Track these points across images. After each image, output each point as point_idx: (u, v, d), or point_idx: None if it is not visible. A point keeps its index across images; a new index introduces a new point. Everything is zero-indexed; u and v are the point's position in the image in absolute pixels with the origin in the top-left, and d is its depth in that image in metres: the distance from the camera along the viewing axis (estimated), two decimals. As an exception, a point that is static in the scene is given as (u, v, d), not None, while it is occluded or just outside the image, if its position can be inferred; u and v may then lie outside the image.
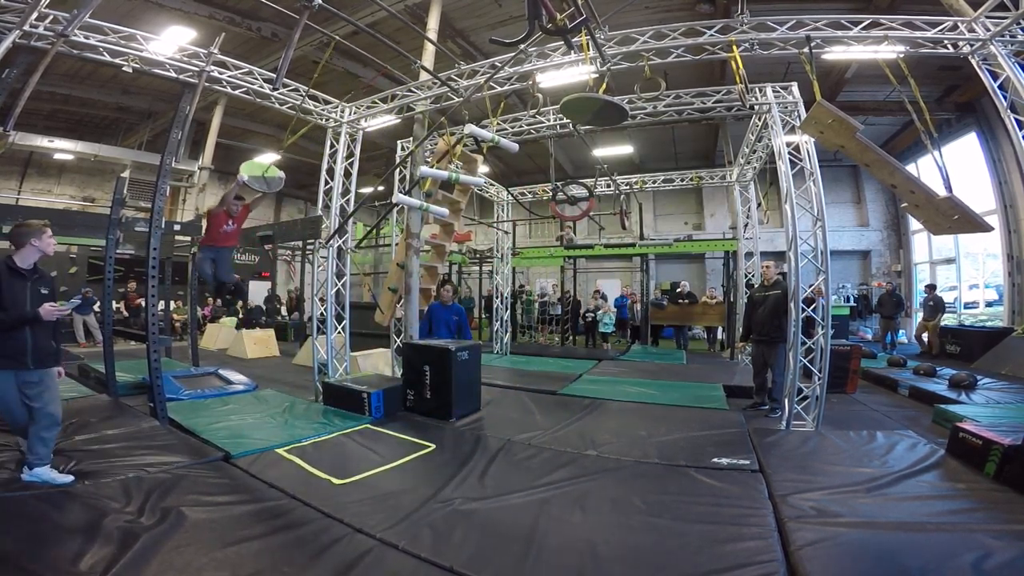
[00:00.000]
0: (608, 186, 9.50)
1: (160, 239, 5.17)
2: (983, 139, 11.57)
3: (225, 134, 14.38)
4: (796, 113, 5.81)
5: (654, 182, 9.89)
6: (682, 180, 9.78)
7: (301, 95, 6.67)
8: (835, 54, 7.95)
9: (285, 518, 2.94)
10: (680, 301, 12.06)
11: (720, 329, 12.28)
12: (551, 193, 6.93)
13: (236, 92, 6.36)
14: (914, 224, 14.65)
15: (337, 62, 11.75)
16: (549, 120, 6.96)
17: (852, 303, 14.54)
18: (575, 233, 13.02)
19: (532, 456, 4.07)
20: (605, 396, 6.22)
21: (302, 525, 2.86)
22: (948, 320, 11.47)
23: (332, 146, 6.75)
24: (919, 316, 12.28)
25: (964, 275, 13.15)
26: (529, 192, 10.48)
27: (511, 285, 11.21)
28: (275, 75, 6.52)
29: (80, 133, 14.33)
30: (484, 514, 3.04)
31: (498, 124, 7.07)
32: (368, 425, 4.83)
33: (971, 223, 4.25)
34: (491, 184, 10.37)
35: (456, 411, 5.07)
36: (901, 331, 12.93)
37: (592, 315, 12.10)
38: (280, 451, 4.09)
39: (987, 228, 4.39)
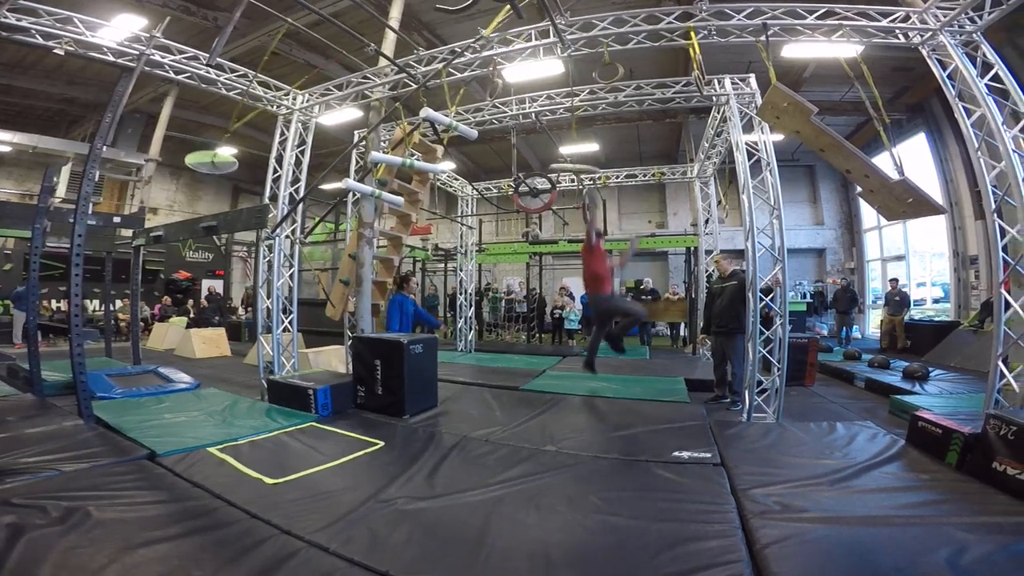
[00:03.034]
0: (572, 181, 9.32)
1: (85, 227, 4.72)
2: (931, 139, 11.86)
3: (178, 127, 13.68)
4: (753, 104, 5.72)
5: (617, 177, 9.77)
6: (645, 176, 9.68)
7: (249, 80, 6.27)
8: (793, 52, 7.95)
9: (205, 519, 2.64)
10: (644, 298, 11.97)
11: (683, 325, 12.26)
12: (512, 183, 6.65)
13: (179, 77, 5.97)
14: (867, 222, 15.00)
15: (298, 54, 11.29)
16: (512, 110, 6.71)
17: (808, 299, 14.76)
18: (540, 230, 12.82)
19: (488, 453, 3.80)
20: (568, 391, 6.00)
21: (224, 526, 2.57)
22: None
23: (283, 134, 6.35)
24: (877, 311, 12.52)
25: (912, 273, 13.49)
26: (494, 187, 10.23)
27: (476, 282, 10.92)
28: (229, 62, 6.19)
29: (21, 124, 13.41)
30: (430, 514, 2.77)
31: (458, 113, 6.79)
32: (313, 423, 4.49)
33: (925, 206, 4.19)
34: (455, 179, 10.07)
35: (409, 407, 4.75)
36: (855, 326, 13.16)
37: (559, 313, 11.91)
38: (212, 450, 3.74)
39: (941, 210, 4.35)
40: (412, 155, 5.55)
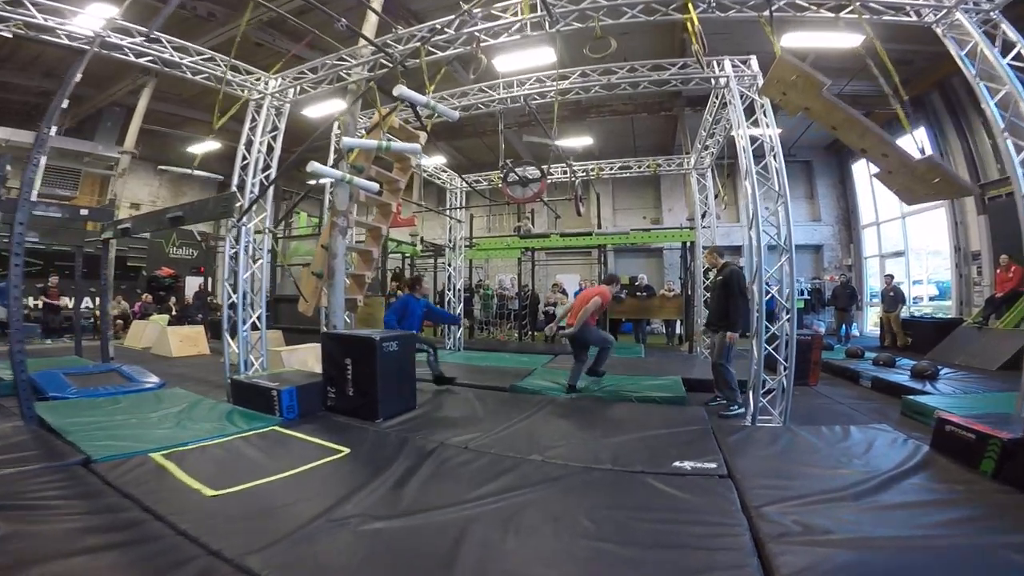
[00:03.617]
0: (564, 172, 8.88)
1: (27, 216, 4.32)
2: (931, 134, 11.47)
3: (160, 121, 13.18)
4: (755, 87, 5.31)
5: (611, 168, 9.31)
6: (639, 167, 9.23)
7: (217, 64, 5.82)
8: (794, 40, 7.53)
9: (126, 533, 2.28)
10: (638, 294, 11.55)
11: (678, 322, 11.85)
12: (501, 173, 6.16)
13: (140, 60, 5.57)
14: (864, 218, 14.63)
15: (281, 44, 10.81)
16: (499, 93, 6.26)
17: (806, 296, 14.38)
18: (533, 225, 12.36)
19: (466, 463, 3.36)
20: (558, 392, 5.57)
21: (145, 543, 2.21)
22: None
23: (254, 120, 5.90)
24: (875, 308, 12.18)
25: (911, 270, 13.14)
26: (484, 179, 9.74)
27: (465, 278, 10.44)
28: (203, 48, 5.79)
29: (-4, 118, 12.86)
30: (388, 536, 2.36)
31: (443, 98, 6.35)
32: (276, 427, 4.05)
33: (952, 186, 3.78)
34: (443, 171, 9.61)
35: (383, 410, 4.30)
36: (854, 323, 12.77)
37: (551, 310, 11.45)
38: (156, 455, 3.32)
39: (972, 190, 3.95)
40: (388, 139, 5.10)
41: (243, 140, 5.70)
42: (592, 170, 9.21)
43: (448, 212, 9.49)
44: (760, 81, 5.27)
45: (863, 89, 12.00)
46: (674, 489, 2.85)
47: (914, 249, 13.22)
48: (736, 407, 4.93)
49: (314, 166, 4.09)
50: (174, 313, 12.47)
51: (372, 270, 5.58)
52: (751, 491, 2.82)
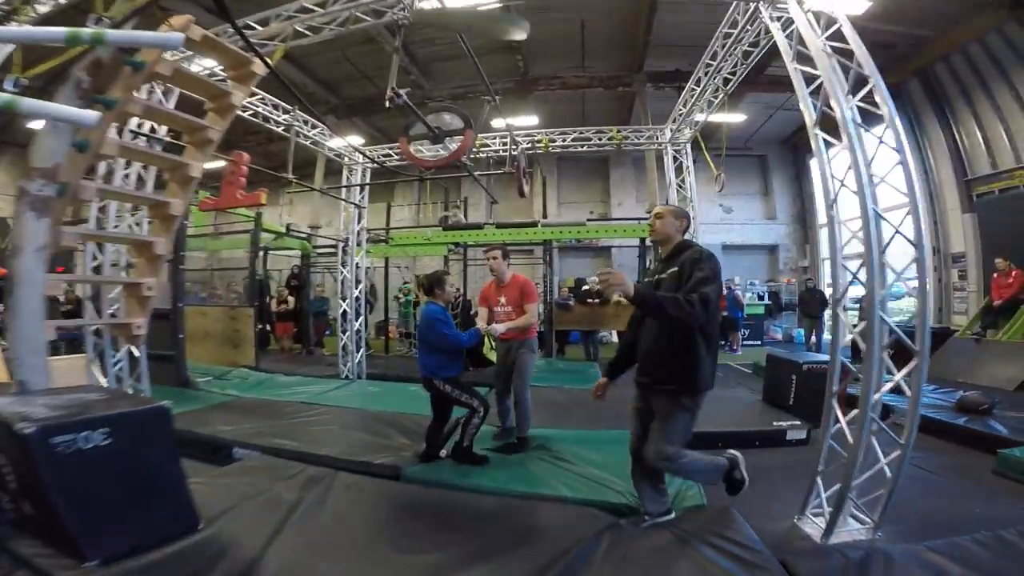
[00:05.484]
0: (504, 145, 6.65)
1: None
2: (909, 125, 10.15)
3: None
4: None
5: (564, 140, 7.06)
6: (600, 139, 7.04)
7: None
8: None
9: None
10: (589, 301, 9.52)
11: (635, 333, 9.92)
12: (388, 104, 3.74)
13: None
14: (822, 216, 13.41)
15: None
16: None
17: (766, 302, 13.00)
18: (466, 216, 10.05)
19: None
20: (474, 482, 3.22)
21: None
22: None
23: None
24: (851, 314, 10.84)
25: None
26: (395, 153, 7.27)
27: (367, 281, 7.84)
28: None
29: None
30: None
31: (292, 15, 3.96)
32: None
33: None
34: (338, 143, 7.13)
35: (90, 548, 1.83)
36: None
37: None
38: None
39: None
40: (100, 20, 2.69)
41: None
42: (539, 141, 6.97)
43: (346, 196, 6.96)
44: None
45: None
46: None
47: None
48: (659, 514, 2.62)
49: None
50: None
51: (157, 274, 3.12)
52: None
